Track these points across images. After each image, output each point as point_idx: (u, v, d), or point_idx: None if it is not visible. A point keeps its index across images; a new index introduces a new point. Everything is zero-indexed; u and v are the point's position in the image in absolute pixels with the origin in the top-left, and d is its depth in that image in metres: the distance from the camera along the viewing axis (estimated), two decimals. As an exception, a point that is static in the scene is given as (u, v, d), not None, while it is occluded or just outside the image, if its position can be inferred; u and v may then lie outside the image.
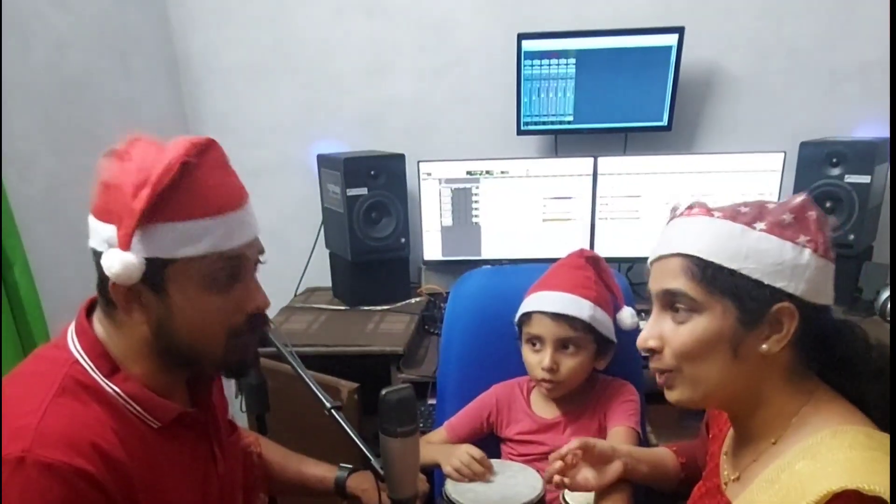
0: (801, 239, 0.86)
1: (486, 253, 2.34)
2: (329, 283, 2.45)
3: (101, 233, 0.87)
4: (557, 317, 1.36)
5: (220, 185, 0.88)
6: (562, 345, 1.37)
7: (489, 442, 1.49)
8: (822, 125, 2.26)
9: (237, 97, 2.51)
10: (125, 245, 0.83)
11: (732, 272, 0.86)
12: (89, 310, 0.96)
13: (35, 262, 1.66)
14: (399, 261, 2.29)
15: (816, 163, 2.09)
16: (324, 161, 2.30)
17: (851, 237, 2.02)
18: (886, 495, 0.74)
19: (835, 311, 0.93)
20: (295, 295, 2.46)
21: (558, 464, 1.14)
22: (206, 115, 2.53)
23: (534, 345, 1.40)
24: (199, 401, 1.05)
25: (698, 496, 1.06)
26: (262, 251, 0.96)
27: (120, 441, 0.86)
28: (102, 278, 0.88)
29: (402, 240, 2.25)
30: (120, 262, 0.83)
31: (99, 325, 0.94)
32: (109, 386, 0.89)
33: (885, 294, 1.97)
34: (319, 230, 2.43)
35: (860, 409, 0.89)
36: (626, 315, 1.45)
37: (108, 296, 0.89)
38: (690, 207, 0.94)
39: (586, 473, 1.17)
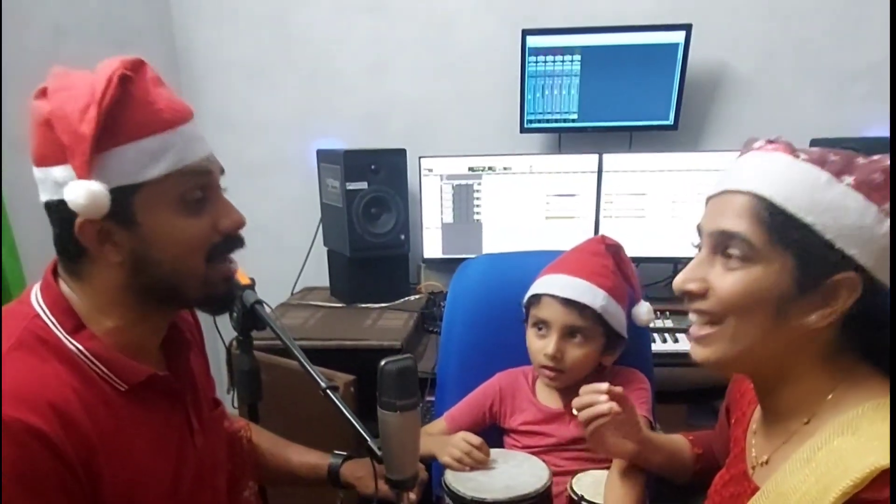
0: (886, 206, 0.74)
1: (488, 251, 2.28)
2: (326, 283, 2.39)
3: (51, 177, 0.80)
4: (568, 302, 1.28)
5: (164, 99, 0.83)
6: (569, 332, 1.30)
7: (492, 434, 1.42)
8: (830, 125, 2.22)
9: (237, 93, 2.48)
10: (85, 173, 0.77)
11: (805, 226, 0.75)
12: (56, 271, 0.89)
13: (23, 245, 1.61)
14: (398, 258, 2.24)
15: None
16: (323, 156, 2.26)
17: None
18: None
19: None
20: (292, 293, 2.40)
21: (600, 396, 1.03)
22: (206, 110, 2.48)
23: (539, 329, 1.33)
24: (175, 366, 0.98)
25: (721, 484, 0.98)
26: (222, 170, 0.92)
27: (81, 402, 0.79)
28: (62, 229, 0.82)
29: (402, 236, 2.19)
30: (85, 191, 0.77)
31: (64, 283, 0.87)
32: (72, 343, 0.83)
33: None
34: (318, 229, 2.37)
35: None
36: (643, 310, 1.36)
37: (70, 248, 0.83)
38: (772, 141, 0.82)
39: (606, 433, 1.07)
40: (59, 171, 0.79)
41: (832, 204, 0.75)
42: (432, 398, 1.69)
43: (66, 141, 0.77)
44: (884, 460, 0.68)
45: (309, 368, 1.13)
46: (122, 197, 0.80)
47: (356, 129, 2.44)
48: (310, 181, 2.35)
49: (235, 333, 1.26)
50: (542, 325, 1.33)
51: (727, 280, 0.80)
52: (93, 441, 0.79)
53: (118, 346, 0.86)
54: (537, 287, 1.34)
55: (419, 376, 1.76)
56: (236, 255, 0.99)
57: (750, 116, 2.31)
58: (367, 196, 2.12)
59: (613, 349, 1.36)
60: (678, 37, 2.14)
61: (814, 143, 2.07)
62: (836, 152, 0.78)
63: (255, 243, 2.64)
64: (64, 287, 0.87)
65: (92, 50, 1.99)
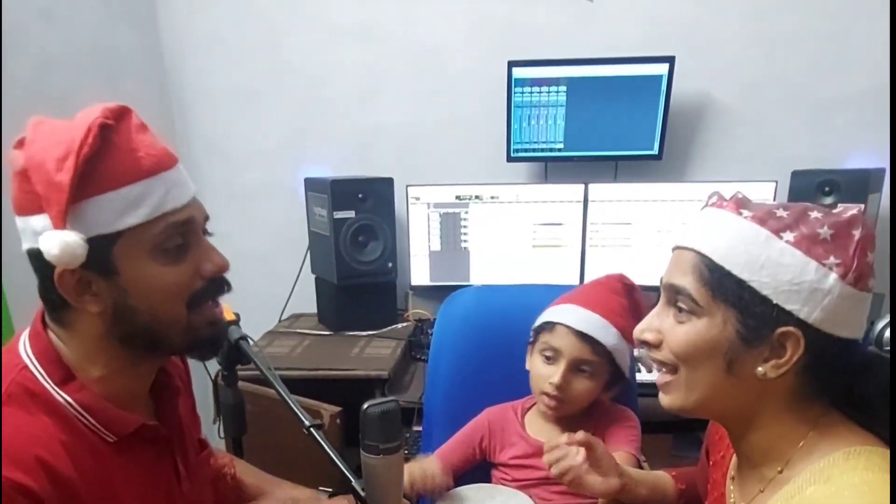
0: (830, 260, 0.76)
1: (475, 279, 2.30)
2: (314, 310, 2.39)
3: (31, 226, 0.80)
4: (582, 336, 1.28)
5: (146, 146, 0.82)
6: (577, 365, 1.30)
7: (481, 468, 1.42)
8: (813, 155, 2.26)
9: (227, 121, 2.49)
10: (60, 223, 0.76)
11: (741, 282, 0.78)
12: (44, 318, 0.89)
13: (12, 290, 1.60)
14: (386, 285, 2.25)
15: (808, 192, 2.07)
16: (311, 184, 2.27)
17: (845, 266, 1.99)
18: None
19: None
20: (279, 320, 2.40)
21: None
22: (195, 138, 2.50)
23: (548, 357, 1.32)
24: (163, 412, 0.98)
25: (702, 528, 0.99)
26: (207, 216, 0.92)
27: (69, 455, 0.79)
28: (44, 278, 0.81)
29: (390, 264, 2.20)
30: (58, 241, 0.76)
31: (51, 331, 0.87)
32: (60, 395, 0.82)
33: (881, 324, 1.92)
34: (305, 256, 2.38)
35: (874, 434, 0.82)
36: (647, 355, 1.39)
37: (53, 297, 0.82)
38: (723, 198, 0.86)
39: (586, 473, 1.08)
40: (37, 221, 0.79)
41: (769, 261, 0.77)
42: (419, 428, 1.69)
43: (41, 191, 0.77)
44: None
45: (293, 406, 1.13)
46: (101, 246, 0.79)
47: (344, 157, 2.46)
48: (298, 208, 2.36)
49: (221, 366, 1.27)
50: (551, 352, 1.32)
51: (677, 332, 0.84)
52: (81, 495, 0.79)
53: (106, 395, 0.86)
54: (552, 315, 1.34)
55: (407, 406, 1.78)
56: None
57: (733, 147, 2.34)
58: (355, 224, 2.13)
59: (614, 386, 1.37)
60: (662, 69, 2.17)
61: (795, 174, 2.10)
62: (789, 207, 0.81)
63: (244, 269, 2.63)
64: (52, 336, 0.86)
65: (81, 79, 1.99)
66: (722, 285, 0.79)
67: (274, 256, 2.51)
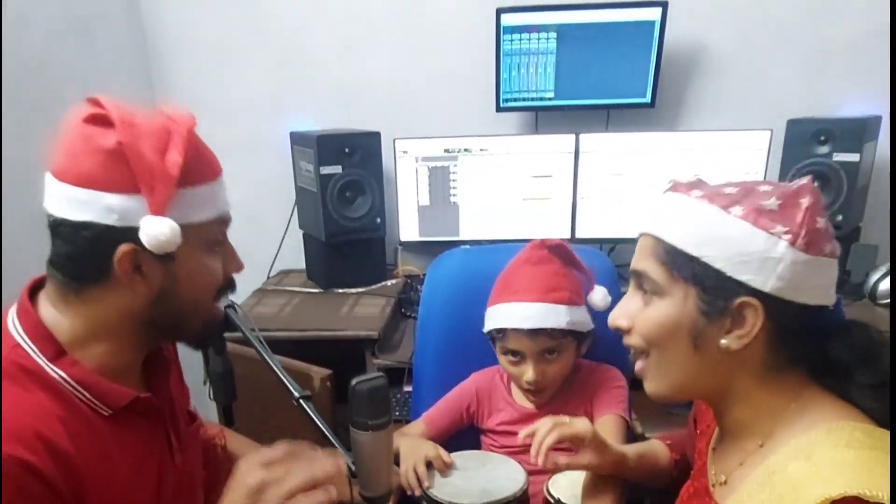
0: (778, 229, 0.77)
1: (465, 233, 2.27)
2: (303, 265, 2.36)
3: (103, 202, 0.82)
4: (534, 332, 1.27)
5: (210, 152, 0.92)
6: (543, 355, 1.30)
7: (469, 433, 1.42)
8: (809, 103, 2.21)
9: (208, 74, 2.41)
10: (161, 210, 0.82)
11: (693, 258, 0.81)
12: (33, 291, 0.90)
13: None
14: (374, 241, 2.22)
15: (804, 141, 2.03)
16: (297, 138, 2.21)
17: (839, 218, 1.97)
18: (889, 500, 0.67)
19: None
20: (268, 277, 2.38)
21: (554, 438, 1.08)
22: (176, 93, 2.42)
23: (514, 356, 1.32)
24: (154, 385, 0.99)
25: (687, 497, 1.00)
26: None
27: (66, 430, 0.80)
28: (91, 252, 0.83)
29: (378, 220, 2.17)
30: (169, 228, 0.82)
31: (48, 306, 0.88)
32: (54, 370, 0.83)
33: (875, 276, 1.92)
34: (293, 210, 2.34)
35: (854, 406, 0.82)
36: (598, 297, 1.35)
37: (89, 271, 0.84)
38: (680, 183, 0.88)
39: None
40: (117, 200, 0.81)
41: (717, 236, 0.80)
42: (409, 389, 1.70)
43: (144, 176, 0.81)
44: (834, 490, 0.69)
45: (282, 377, 1.12)
46: None
47: (330, 110, 2.39)
48: (284, 163, 2.31)
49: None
50: (514, 354, 1.32)
51: (645, 314, 0.87)
52: (80, 469, 0.80)
53: (99, 370, 0.87)
54: (497, 320, 1.31)
55: (397, 366, 1.78)
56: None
57: (727, 94, 2.29)
58: (342, 180, 2.09)
59: (584, 342, 1.37)
60: (654, 14, 2.10)
61: (791, 123, 2.06)
62: (738, 184, 0.84)
63: (231, 225, 2.60)
64: (44, 312, 0.87)
65: (57, 35, 1.92)
66: (677, 264, 0.83)
67: (260, 212, 2.46)
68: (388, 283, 2.21)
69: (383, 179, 2.17)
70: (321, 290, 2.18)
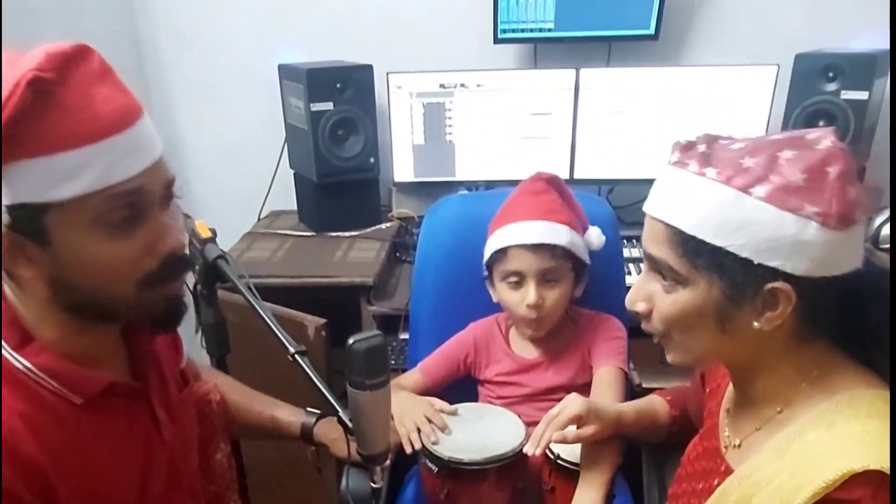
0: (808, 210, 0.71)
1: (461, 174, 2.21)
2: (295, 206, 2.31)
3: None
4: (537, 247, 1.26)
5: (96, 104, 0.71)
6: (543, 277, 1.28)
7: (466, 384, 1.41)
8: (818, 35, 2.11)
9: (193, 5, 2.28)
10: None
11: (717, 249, 0.74)
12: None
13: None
14: (368, 182, 2.16)
15: (811, 77, 1.95)
16: (286, 72, 2.12)
17: (845, 158, 1.92)
18: None
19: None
20: (258, 219, 2.32)
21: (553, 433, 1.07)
22: (159, 25, 2.30)
23: (514, 283, 1.29)
24: (138, 358, 0.92)
25: (695, 455, 0.98)
26: (171, 180, 0.80)
27: (30, 431, 0.73)
28: None
29: (372, 159, 2.10)
30: None
31: (7, 287, 0.79)
32: (18, 360, 0.75)
33: (879, 219, 1.88)
34: (283, 149, 2.26)
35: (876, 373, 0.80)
36: (594, 234, 1.36)
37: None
38: (688, 150, 0.79)
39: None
40: None
41: (742, 222, 0.73)
42: (406, 336, 1.68)
43: None
44: (856, 463, 0.67)
45: (276, 331, 1.09)
46: (30, 213, 0.70)
47: (320, 42, 2.27)
48: (273, 99, 2.21)
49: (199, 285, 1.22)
50: (514, 276, 1.29)
51: (665, 301, 0.81)
52: (45, 471, 0.74)
53: (68, 356, 0.79)
54: (499, 241, 1.30)
55: (393, 314, 1.76)
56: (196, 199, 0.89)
57: (733, 27, 2.19)
58: (334, 117, 2.01)
59: (581, 280, 1.35)
60: (660, -62, 1.99)
61: (798, 57, 1.98)
62: (756, 153, 0.74)
63: (218, 165, 2.53)
64: (7, 290, 0.79)
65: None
66: (699, 254, 0.76)
67: (249, 150, 2.38)
68: (383, 226, 2.15)
69: (376, 117, 2.10)
70: (314, 234, 2.13)
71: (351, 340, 0.90)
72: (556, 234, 1.27)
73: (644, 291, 0.84)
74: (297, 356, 1.05)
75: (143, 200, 0.75)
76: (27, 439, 0.73)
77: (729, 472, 0.86)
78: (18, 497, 0.71)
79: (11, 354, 0.75)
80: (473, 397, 1.40)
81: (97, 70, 0.73)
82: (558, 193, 1.34)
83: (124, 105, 0.74)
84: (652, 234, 0.81)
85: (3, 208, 0.68)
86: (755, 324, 0.76)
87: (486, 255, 1.33)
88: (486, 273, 1.36)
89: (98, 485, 0.81)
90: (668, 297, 0.81)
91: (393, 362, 1.67)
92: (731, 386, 0.94)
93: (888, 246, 1.86)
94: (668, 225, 0.78)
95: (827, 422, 0.75)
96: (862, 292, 0.79)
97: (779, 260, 0.72)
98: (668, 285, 0.80)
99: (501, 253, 1.29)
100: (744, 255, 0.73)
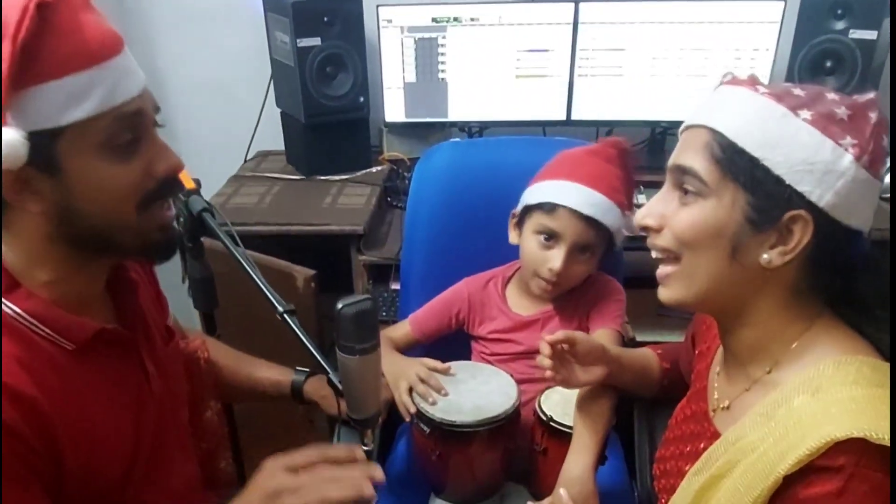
0: (847, 140, 0.72)
1: (454, 114, 2.13)
2: (282, 146, 2.23)
3: None
4: (588, 219, 1.20)
5: (92, 27, 0.74)
6: (578, 248, 1.23)
7: (457, 339, 1.39)
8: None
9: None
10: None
11: (754, 160, 0.74)
12: None
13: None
14: (358, 122, 2.08)
15: (820, 14, 1.88)
16: (270, 4, 2.01)
17: (850, 101, 1.86)
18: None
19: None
20: (245, 160, 2.25)
21: (546, 360, 1.03)
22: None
23: (547, 239, 1.24)
24: (123, 311, 0.92)
25: (682, 418, 0.98)
26: (157, 106, 0.83)
27: (28, 373, 0.74)
28: None
29: (361, 98, 2.02)
30: (2, 140, 0.68)
31: None
32: (8, 306, 0.76)
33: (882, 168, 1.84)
34: (269, 86, 2.18)
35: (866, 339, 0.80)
36: (632, 221, 1.31)
37: None
38: (737, 79, 0.80)
39: (574, 370, 1.07)
40: None
41: (783, 138, 0.74)
42: (397, 287, 1.65)
43: None
44: (839, 431, 0.68)
45: (265, 290, 1.07)
46: (43, 142, 0.71)
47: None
48: (258, 31, 2.10)
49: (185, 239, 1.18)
50: (550, 235, 1.23)
51: (681, 215, 0.80)
52: (45, 412, 0.75)
53: (57, 301, 0.80)
54: (553, 194, 1.23)
55: (384, 263, 1.73)
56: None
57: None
58: (321, 53, 1.92)
59: (603, 259, 1.32)
60: None
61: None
62: (805, 87, 0.77)
63: (201, 102, 2.42)
64: None
65: None
66: (734, 163, 0.76)
67: (234, 86, 2.29)
68: (374, 169, 2.09)
69: (366, 53, 2.01)
70: (302, 178, 2.07)
71: (340, 305, 0.88)
72: (612, 214, 1.22)
73: (657, 208, 0.83)
74: (286, 315, 1.03)
75: (141, 123, 0.79)
76: (27, 383, 0.74)
77: (716, 435, 0.86)
78: (21, 434, 0.72)
79: (2, 301, 0.75)
80: (464, 351, 1.39)
81: None
82: (623, 170, 1.27)
83: (111, 31, 0.77)
84: (689, 144, 0.80)
85: (20, 137, 0.69)
86: (765, 255, 0.76)
87: (534, 198, 1.25)
88: (516, 217, 1.30)
89: (95, 430, 0.82)
90: (685, 211, 0.79)
91: (384, 314, 1.65)
92: (721, 349, 0.93)
93: (888, 196, 1.83)
94: (711, 130, 0.77)
95: (813, 387, 0.75)
96: (860, 261, 0.80)
97: (809, 185, 0.73)
98: (689, 199, 0.79)
99: (550, 206, 1.22)
100: (778, 171, 0.73)
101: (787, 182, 0.73)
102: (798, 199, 0.73)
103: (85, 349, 0.81)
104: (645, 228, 0.85)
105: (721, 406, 0.90)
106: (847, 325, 0.81)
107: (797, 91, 0.76)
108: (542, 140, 1.50)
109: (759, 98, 0.76)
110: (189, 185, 1.17)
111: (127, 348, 0.90)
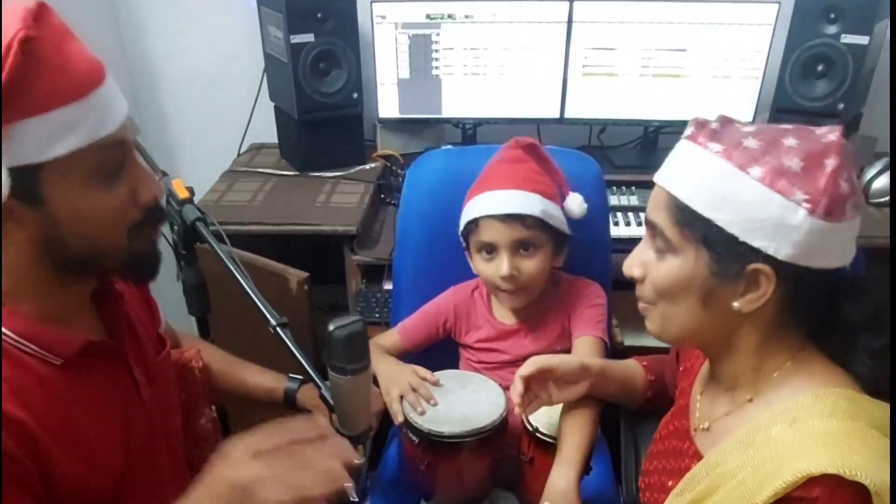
0: (798, 195, 0.73)
1: (448, 111, 2.13)
2: (276, 139, 2.22)
3: None
4: (508, 218, 1.23)
5: (75, 59, 0.74)
6: (517, 247, 1.26)
7: (446, 347, 1.41)
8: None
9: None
10: None
11: (707, 221, 0.77)
12: None
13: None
14: (351, 118, 2.08)
15: (812, 17, 1.88)
16: (264, -1, 2.01)
17: (841, 106, 1.87)
18: (867, 479, 0.69)
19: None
20: (238, 154, 2.25)
21: (518, 397, 1.07)
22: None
23: (488, 253, 1.28)
24: (111, 321, 0.93)
25: (666, 433, 1.01)
26: (137, 130, 0.84)
27: (14, 394, 0.75)
28: None
29: (355, 95, 2.02)
30: None
31: None
32: None
33: (871, 172, 1.86)
34: (262, 79, 2.17)
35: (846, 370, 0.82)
36: (574, 203, 1.32)
37: None
38: (702, 127, 0.81)
39: (553, 391, 1.11)
40: None
41: (732, 197, 0.76)
42: (390, 287, 1.67)
43: None
44: (814, 467, 0.70)
45: (258, 302, 1.09)
46: (26, 175, 0.71)
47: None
48: (251, 22, 2.09)
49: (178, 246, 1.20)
50: (487, 248, 1.27)
51: (658, 268, 0.85)
52: (34, 433, 0.76)
53: (43, 317, 0.80)
54: (471, 212, 1.28)
55: (377, 263, 1.74)
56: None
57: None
58: (315, 50, 1.92)
59: (561, 250, 1.33)
60: None
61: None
62: (762, 134, 0.78)
63: (193, 94, 2.41)
64: None
65: None
66: (691, 224, 0.79)
67: (226, 78, 2.28)
68: (367, 167, 2.09)
69: (360, 50, 2.00)
70: (296, 173, 2.07)
71: (331, 327, 0.90)
72: (529, 203, 1.24)
73: (641, 258, 0.88)
74: (279, 329, 1.06)
75: (125, 152, 0.80)
76: (14, 404, 0.74)
77: (697, 455, 0.90)
78: (12, 456, 0.73)
79: None
80: (453, 358, 1.41)
81: (61, 25, 0.74)
82: (536, 161, 1.29)
83: (94, 60, 0.77)
84: (654, 201, 0.85)
85: (3, 174, 0.69)
86: (735, 304, 0.79)
87: (461, 225, 1.31)
88: (463, 244, 1.34)
89: (85, 442, 0.83)
90: (661, 265, 0.84)
91: (377, 316, 1.67)
92: (704, 368, 0.96)
93: (881, 200, 1.85)
94: (669, 192, 0.81)
95: (791, 417, 0.78)
96: (844, 290, 0.81)
97: (763, 241, 0.75)
98: (663, 253, 0.83)
99: (473, 224, 1.27)
100: (731, 230, 0.76)
101: (742, 239, 0.75)
102: (755, 254, 0.75)
103: (72, 363, 0.82)
104: (631, 277, 0.89)
105: (702, 427, 0.93)
106: (829, 355, 0.83)
107: (750, 143, 0.77)
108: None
109: (710, 158, 0.78)
110: (183, 193, 1.19)
111: (115, 359, 0.91)
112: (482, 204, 1.26)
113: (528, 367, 1.07)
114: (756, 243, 0.75)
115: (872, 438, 0.73)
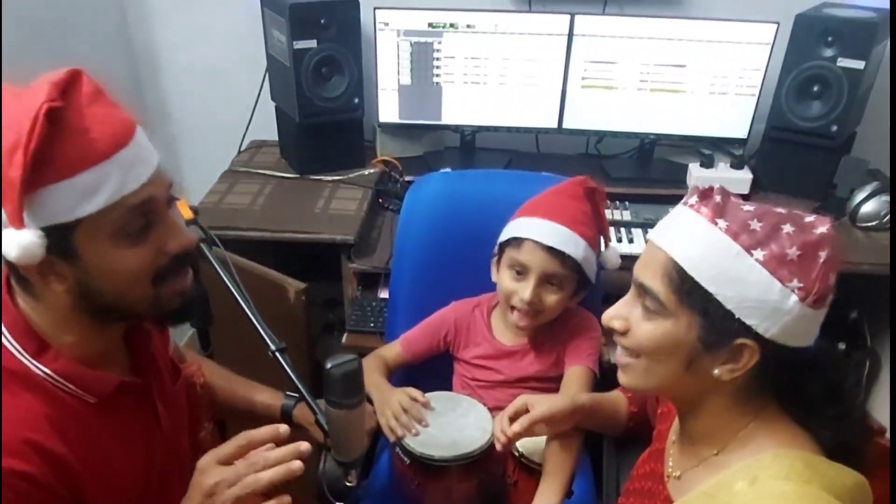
0: (793, 283, 0.78)
1: (447, 117, 2.16)
2: (276, 137, 2.25)
3: None
4: (552, 251, 1.28)
5: (100, 123, 0.79)
6: (546, 279, 1.30)
7: (440, 360, 1.46)
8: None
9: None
10: (16, 221, 0.75)
11: (708, 294, 0.80)
12: (10, 286, 0.88)
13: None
14: (352, 123, 2.11)
15: (810, 40, 1.90)
16: (268, 1, 2.02)
17: (834, 128, 1.91)
18: None
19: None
20: (239, 151, 2.27)
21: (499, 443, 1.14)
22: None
23: (518, 272, 1.32)
24: (138, 357, 1.00)
25: (643, 472, 1.06)
26: (171, 184, 0.89)
27: (55, 430, 0.82)
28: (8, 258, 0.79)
29: (356, 100, 2.05)
30: (17, 245, 0.75)
31: (20, 299, 0.86)
32: (38, 368, 0.84)
33: (860, 195, 1.88)
34: (264, 78, 2.19)
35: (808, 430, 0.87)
36: (612, 256, 1.40)
37: (19, 273, 0.82)
38: (705, 199, 0.84)
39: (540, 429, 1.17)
40: None
41: (736, 277, 0.79)
42: (385, 295, 1.71)
43: None
44: None
45: (258, 326, 1.13)
46: (60, 233, 0.78)
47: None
48: (255, 20, 2.10)
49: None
50: (520, 268, 1.31)
51: (643, 327, 0.87)
52: (71, 465, 0.83)
53: (81, 359, 0.88)
54: (519, 229, 1.32)
55: (372, 271, 1.78)
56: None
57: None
58: (317, 56, 1.94)
59: (580, 293, 1.38)
60: None
61: (799, 17, 1.92)
62: (765, 217, 0.81)
63: (196, 88, 2.43)
64: (21, 303, 0.86)
65: None
66: (689, 293, 0.82)
67: (229, 74, 2.30)
68: (366, 171, 2.12)
69: (362, 55, 2.02)
70: (296, 176, 2.10)
71: (329, 364, 0.95)
72: (575, 245, 1.28)
73: (624, 313, 0.90)
74: (277, 354, 1.10)
75: (152, 209, 0.85)
76: (54, 439, 0.82)
77: (668, 500, 0.95)
78: (54, 491, 0.81)
79: (32, 363, 0.84)
80: (447, 373, 1.47)
81: (91, 89, 0.80)
82: (592, 206, 1.34)
83: (122, 120, 0.82)
84: (651, 263, 0.86)
85: (39, 232, 0.76)
86: (716, 371, 0.83)
87: (504, 236, 1.34)
88: (496, 252, 1.38)
89: (112, 474, 0.90)
90: (647, 324, 0.86)
91: (372, 324, 1.71)
92: (677, 420, 1.01)
93: (869, 224, 1.88)
94: (670, 258, 0.83)
95: (751, 475, 0.83)
96: (808, 364, 0.86)
97: (756, 320, 0.79)
98: (650, 315, 0.86)
99: (517, 241, 1.31)
100: (729, 306, 0.80)
101: (737, 316, 0.79)
102: (745, 330, 0.80)
103: (105, 401, 0.89)
104: (610, 329, 0.92)
105: (674, 475, 0.98)
106: (791, 417, 0.88)
107: (754, 225, 0.80)
108: (528, 175, 1.54)
109: (716, 234, 0.81)
110: (187, 214, 1.22)
111: (141, 395, 0.98)
112: (533, 227, 1.30)
113: (522, 423, 1.13)
114: (749, 321, 0.79)
115: (823, 502, 0.78)
